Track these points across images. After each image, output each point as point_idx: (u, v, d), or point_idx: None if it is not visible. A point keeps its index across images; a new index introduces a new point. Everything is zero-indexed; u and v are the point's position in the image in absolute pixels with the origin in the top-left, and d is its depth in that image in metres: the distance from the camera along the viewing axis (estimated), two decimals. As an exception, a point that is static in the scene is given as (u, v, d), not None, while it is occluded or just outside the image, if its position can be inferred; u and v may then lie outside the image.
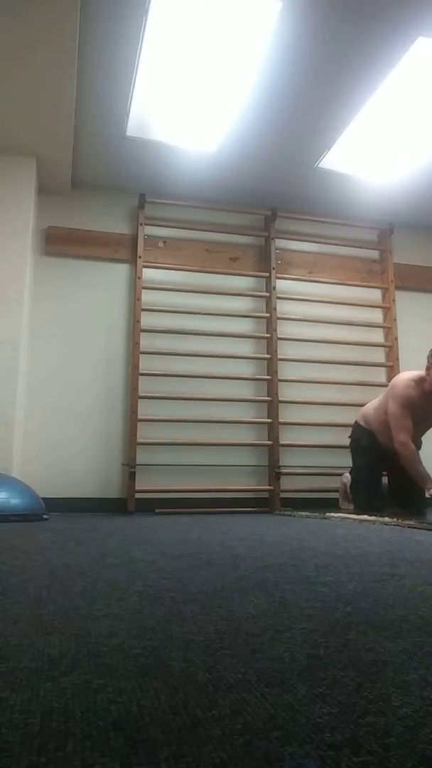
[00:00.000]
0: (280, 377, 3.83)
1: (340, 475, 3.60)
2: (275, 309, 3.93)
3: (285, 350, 3.91)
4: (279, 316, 3.93)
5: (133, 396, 3.59)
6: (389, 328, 4.15)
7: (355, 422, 3.49)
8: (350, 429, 3.96)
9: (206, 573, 1.15)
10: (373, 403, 3.43)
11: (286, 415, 3.81)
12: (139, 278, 3.75)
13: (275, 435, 3.74)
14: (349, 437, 3.51)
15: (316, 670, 0.57)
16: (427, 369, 3.07)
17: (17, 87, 2.86)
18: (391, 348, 4.12)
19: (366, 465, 3.33)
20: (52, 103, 2.97)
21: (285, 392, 3.83)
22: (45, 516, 2.78)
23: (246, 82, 2.86)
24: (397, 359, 4.08)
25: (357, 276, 4.21)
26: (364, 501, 3.25)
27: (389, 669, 0.58)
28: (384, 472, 3.40)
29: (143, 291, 3.74)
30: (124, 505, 3.47)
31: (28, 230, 3.37)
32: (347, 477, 3.54)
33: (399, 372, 4.05)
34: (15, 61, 2.69)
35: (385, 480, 3.42)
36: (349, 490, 3.45)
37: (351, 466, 3.51)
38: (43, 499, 2.94)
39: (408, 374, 3.24)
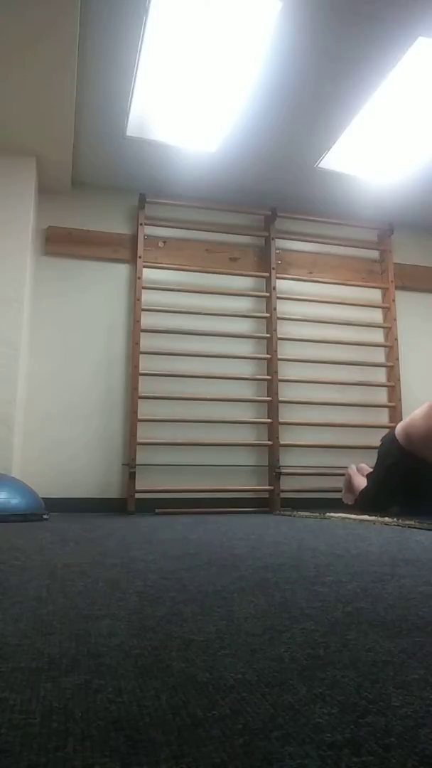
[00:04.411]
0: (280, 377, 3.83)
1: (340, 475, 3.59)
2: (275, 309, 3.93)
3: (285, 350, 3.91)
4: (279, 316, 3.93)
5: (133, 396, 3.59)
6: (389, 328, 4.15)
7: (393, 437, 3.02)
8: (350, 429, 3.96)
9: (206, 573, 1.15)
10: (421, 411, 2.90)
11: (286, 415, 3.80)
12: (139, 278, 3.75)
13: (275, 435, 3.74)
14: (380, 446, 3.18)
15: (316, 670, 0.57)
16: None
17: (17, 87, 2.86)
18: (391, 348, 4.12)
19: (386, 485, 3.06)
20: (52, 103, 2.97)
21: (285, 392, 3.83)
22: (45, 516, 2.78)
23: (246, 82, 2.86)
24: (397, 359, 4.08)
25: (357, 276, 4.21)
26: (370, 504, 3.13)
27: (389, 669, 0.57)
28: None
29: (143, 291, 3.74)
30: (124, 505, 3.47)
31: (28, 230, 3.37)
32: (353, 468, 3.51)
33: (399, 372, 4.06)
34: (15, 61, 2.69)
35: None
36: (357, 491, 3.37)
37: (351, 465, 3.50)
38: (43, 499, 2.94)
39: None
